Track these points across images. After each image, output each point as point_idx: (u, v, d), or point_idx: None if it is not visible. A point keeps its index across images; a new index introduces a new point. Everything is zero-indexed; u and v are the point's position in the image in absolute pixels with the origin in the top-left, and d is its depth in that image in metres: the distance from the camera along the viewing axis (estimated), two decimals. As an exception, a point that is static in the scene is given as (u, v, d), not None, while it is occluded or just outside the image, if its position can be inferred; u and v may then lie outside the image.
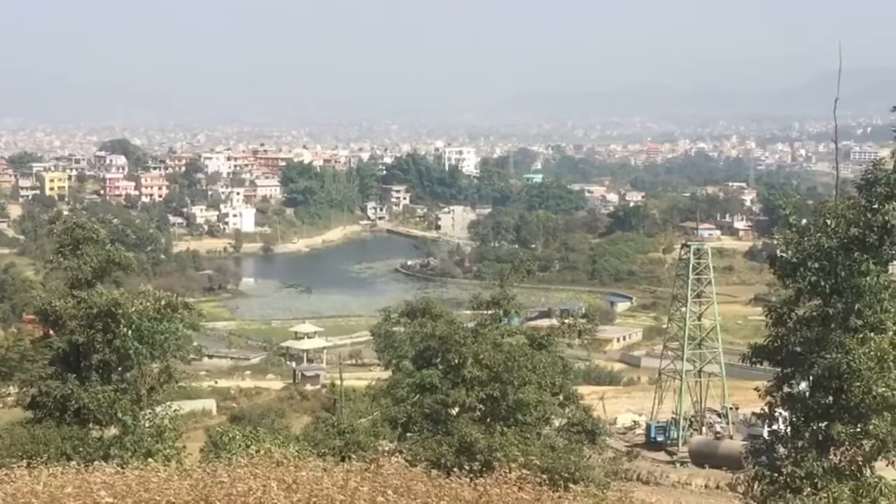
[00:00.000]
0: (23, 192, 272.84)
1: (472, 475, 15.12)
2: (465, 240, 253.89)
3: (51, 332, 36.55)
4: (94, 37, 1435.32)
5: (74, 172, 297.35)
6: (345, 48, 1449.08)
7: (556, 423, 42.15)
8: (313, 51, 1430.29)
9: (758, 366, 25.55)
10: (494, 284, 43.92)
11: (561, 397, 40.82)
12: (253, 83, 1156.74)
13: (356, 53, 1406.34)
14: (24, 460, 16.26)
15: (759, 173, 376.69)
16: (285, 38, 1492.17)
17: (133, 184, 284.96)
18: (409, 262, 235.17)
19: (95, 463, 16.15)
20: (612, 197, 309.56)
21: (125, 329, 32.84)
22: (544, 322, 78.16)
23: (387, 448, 28.50)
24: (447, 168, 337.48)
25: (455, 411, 37.69)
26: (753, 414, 56.15)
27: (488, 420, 35.92)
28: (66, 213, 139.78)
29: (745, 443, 50.60)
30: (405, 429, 38.11)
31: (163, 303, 34.50)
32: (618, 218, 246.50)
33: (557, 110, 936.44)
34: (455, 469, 16.26)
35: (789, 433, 24.50)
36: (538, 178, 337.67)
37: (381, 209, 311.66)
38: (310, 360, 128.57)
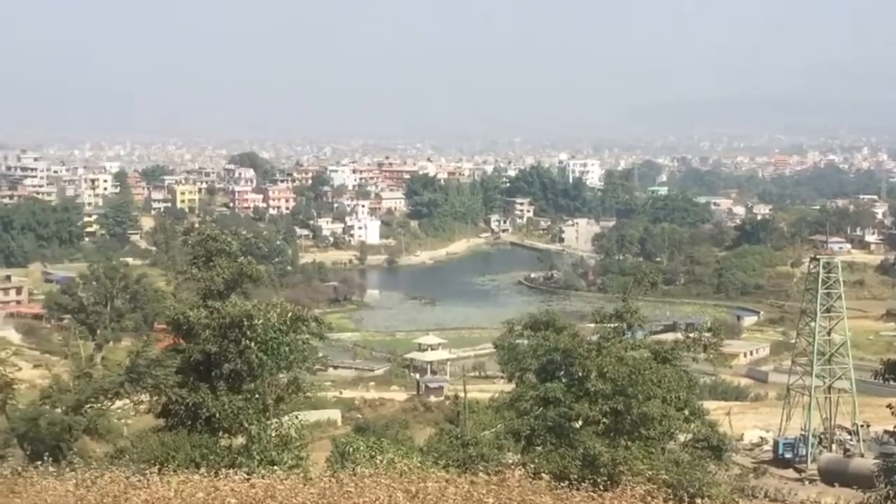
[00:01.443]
0: (155, 205, 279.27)
1: (596, 489, 15.03)
2: (589, 252, 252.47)
3: (181, 341, 37.31)
4: (225, 52, 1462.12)
5: (204, 185, 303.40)
6: (469, 62, 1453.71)
7: (681, 438, 41.65)
8: (438, 65, 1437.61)
9: (891, 382, 24.96)
10: (618, 297, 43.61)
11: (686, 412, 40.29)
12: (378, 97, 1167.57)
13: (480, 67, 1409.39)
14: (156, 467, 16.62)
15: (891, 186, 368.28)
16: (411, 54, 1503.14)
17: (261, 196, 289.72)
18: (533, 275, 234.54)
19: (223, 471, 16.42)
20: (739, 210, 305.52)
21: (248, 342, 33.37)
22: (669, 336, 77.36)
23: (511, 461, 28.50)
24: (571, 180, 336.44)
25: (578, 424, 37.51)
26: (886, 432, 54.83)
27: (612, 434, 35.68)
28: (197, 225, 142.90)
29: (876, 461, 49.48)
30: (529, 441, 38.04)
31: (289, 314, 35.00)
32: (745, 231, 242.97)
33: (682, 121, 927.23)
34: (579, 483, 16.18)
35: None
36: (663, 190, 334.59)
37: (505, 222, 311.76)
38: (433, 372, 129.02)
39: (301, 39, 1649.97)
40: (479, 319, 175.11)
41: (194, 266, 38.13)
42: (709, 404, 65.58)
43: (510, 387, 49.10)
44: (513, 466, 18.75)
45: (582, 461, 29.43)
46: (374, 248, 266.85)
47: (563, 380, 38.83)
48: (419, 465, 17.18)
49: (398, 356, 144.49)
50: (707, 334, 44.29)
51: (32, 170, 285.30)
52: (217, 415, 33.16)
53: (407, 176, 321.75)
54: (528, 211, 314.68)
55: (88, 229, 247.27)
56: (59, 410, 41.91)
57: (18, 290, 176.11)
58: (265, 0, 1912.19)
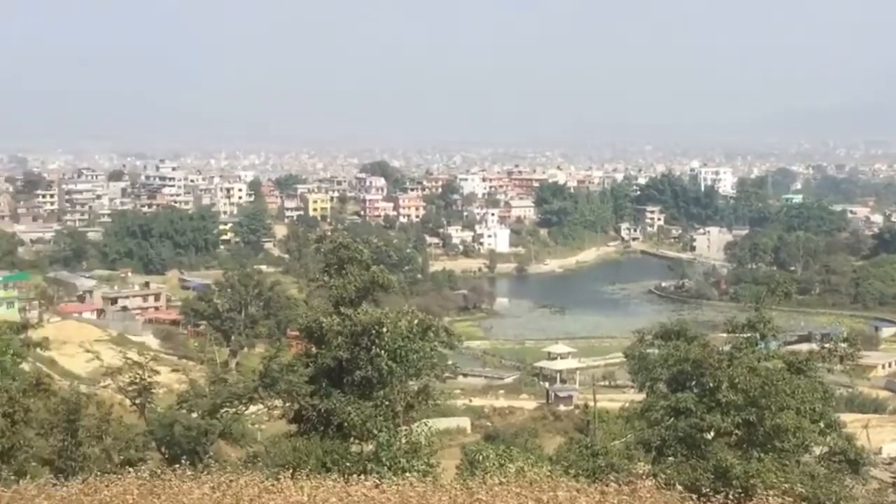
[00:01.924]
0: (288, 213, 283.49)
1: (729, 502, 14.83)
2: (721, 261, 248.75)
3: (313, 347, 37.83)
4: (357, 63, 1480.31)
5: (336, 194, 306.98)
6: (599, 69, 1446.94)
7: (816, 451, 40.77)
8: (567, 72, 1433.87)
9: None
10: (751, 307, 42.92)
11: (821, 424, 39.42)
12: (507, 105, 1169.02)
13: (611, 74, 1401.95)
14: (289, 471, 16.88)
15: None
16: (540, 61, 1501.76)
17: (391, 204, 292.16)
18: (663, 284, 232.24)
19: (354, 477, 16.61)
20: (877, 218, 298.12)
21: (378, 349, 33.68)
22: (804, 346, 75.86)
23: (641, 471, 28.26)
24: (703, 188, 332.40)
25: (710, 436, 37.03)
26: None
27: (744, 446, 35.13)
28: (329, 233, 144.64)
29: None
30: (659, 452, 37.66)
31: (415, 322, 35.25)
32: (883, 240, 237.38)
33: (816, 129, 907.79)
34: (712, 495, 15.98)
35: None
36: (798, 198, 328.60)
37: (635, 230, 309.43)
38: (563, 381, 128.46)
39: (429, 51, 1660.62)
40: (609, 328, 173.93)
41: (326, 274, 38.69)
42: (845, 417, 64.04)
43: (640, 396, 48.69)
44: (643, 477, 18.61)
45: (714, 473, 29.02)
46: (503, 257, 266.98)
47: (695, 390, 38.36)
48: (549, 474, 17.15)
49: (527, 365, 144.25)
50: (843, 345, 43.31)
51: (170, 179, 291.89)
52: (348, 421, 33.54)
53: (536, 184, 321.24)
54: (659, 219, 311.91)
55: (224, 237, 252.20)
56: (195, 415, 42.82)
57: (157, 297, 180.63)
58: (393, 10, 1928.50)
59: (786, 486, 22.59)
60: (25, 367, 35.68)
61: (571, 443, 53.00)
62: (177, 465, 17.36)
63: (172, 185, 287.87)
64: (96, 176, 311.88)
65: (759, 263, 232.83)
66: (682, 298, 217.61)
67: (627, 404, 65.69)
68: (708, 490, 17.37)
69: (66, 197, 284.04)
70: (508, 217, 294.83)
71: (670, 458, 35.92)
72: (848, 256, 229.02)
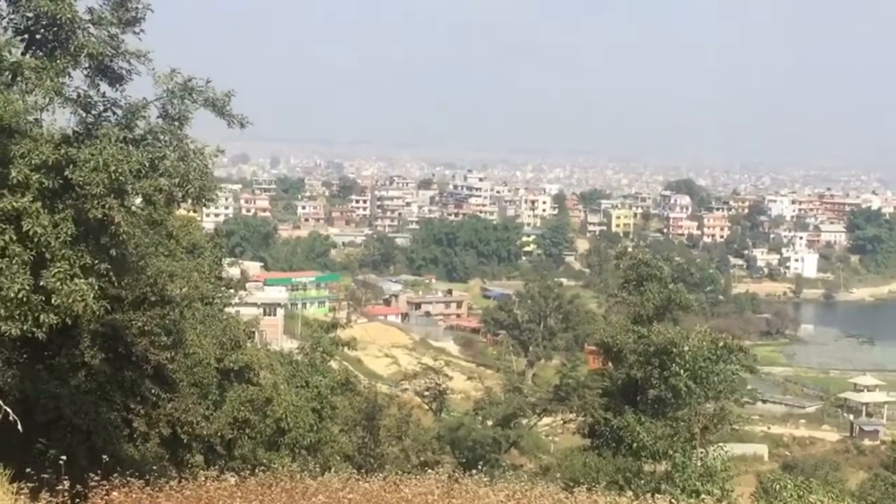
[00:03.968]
0: (590, 227, 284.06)
1: None
2: None
3: (609, 364, 37.80)
4: (687, 81, 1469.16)
5: (640, 210, 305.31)
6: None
7: None
8: (885, 93, 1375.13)
9: None
10: None
11: None
12: (821, 126, 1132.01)
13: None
14: (584, 486, 16.89)
15: None
16: (861, 82, 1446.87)
17: (696, 223, 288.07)
18: None
19: (647, 496, 16.47)
20: None
21: (678, 368, 33.28)
22: None
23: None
24: None
25: None
26: None
27: None
28: (630, 249, 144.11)
29: None
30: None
31: (719, 344, 34.65)
32: None
33: None
34: None
35: None
36: None
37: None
38: (869, 414, 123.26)
39: (742, 71, 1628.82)
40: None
41: (625, 290, 38.61)
42: None
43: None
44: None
45: None
46: (810, 282, 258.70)
47: None
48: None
49: (831, 395, 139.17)
50: None
51: (477, 189, 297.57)
52: (637, 441, 33.31)
53: (849, 209, 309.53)
54: None
55: (526, 248, 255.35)
56: (490, 422, 43.55)
57: (459, 304, 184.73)
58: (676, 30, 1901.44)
59: None
60: (333, 365, 37.12)
61: (876, 479, 50.97)
62: (473, 471, 17.67)
63: (479, 196, 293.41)
64: (407, 184, 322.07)
65: None
66: None
67: (938, 444, 62.39)
68: None
69: (378, 203, 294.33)
70: (817, 241, 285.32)
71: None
72: None
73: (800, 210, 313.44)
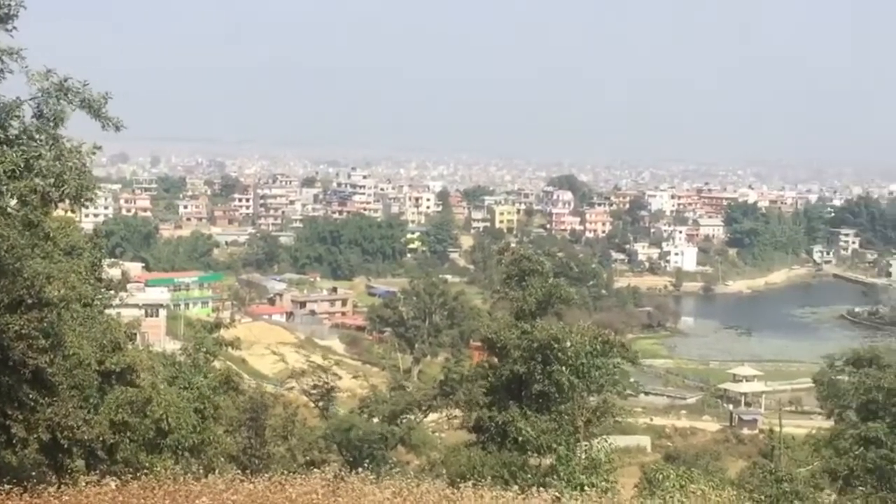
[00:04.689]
0: (475, 224, 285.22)
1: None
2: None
3: (494, 359, 38.01)
4: (556, 75, 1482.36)
5: (523, 206, 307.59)
6: (797, 90, 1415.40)
7: None
8: (764, 89, 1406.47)
9: None
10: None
11: None
12: (699, 121, 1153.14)
13: (809, 94, 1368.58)
14: (470, 482, 16.97)
15: None
16: (733, 79, 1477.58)
17: (578, 219, 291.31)
18: (857, 309, 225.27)
19: (533, 490, 16.61)
20: None
21: (560, 364, 33.62)
22: None
23: (827, 501, 27.53)
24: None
25: (902, 469, 35.85)
26: None
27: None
28: (514, 245, 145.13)
29: None
30: (846, 482, 36.68)
31: (599, 339, 35.09)
32: None
33: None
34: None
35: None
36: None
37: (828, 253, 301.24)
38: (747, 404, 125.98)
39: (621, 67, 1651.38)
40: (797, 353, 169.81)
41: (507, 285, 38.84)
42: None
43: (828, 424, 47.56)
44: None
45: (904, 507, 28.06)
46: (689, 276, 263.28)
47: (887, 420, 37.23)
48: (733, 498, 16.87)
49: (711, 386, 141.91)
50: None
51: (361, 187, 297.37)
52: (522, 434, 33.58)
53: (726, 203, 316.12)
54: (854, 242, 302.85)
55: (411, 246, 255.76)
56: (375, 420, 43.51)
57: (344, 302, 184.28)
58: (583, 19, 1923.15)
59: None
60: (217, 365, 36.74)
61: (755, 467, 52.04)
62: (359, 469, 17.66)
63: (363, 193, 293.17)
64: (290, 182, 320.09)
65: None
66: (876, 325, 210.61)
67: (815, 431, 64.13)
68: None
69: (261, 201, 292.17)
70: (696, 235, 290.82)
71: (859, 489, 34.94)
72: None
73: (679, 205, 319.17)
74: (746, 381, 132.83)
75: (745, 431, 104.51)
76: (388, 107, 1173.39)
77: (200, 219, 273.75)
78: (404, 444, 47.44)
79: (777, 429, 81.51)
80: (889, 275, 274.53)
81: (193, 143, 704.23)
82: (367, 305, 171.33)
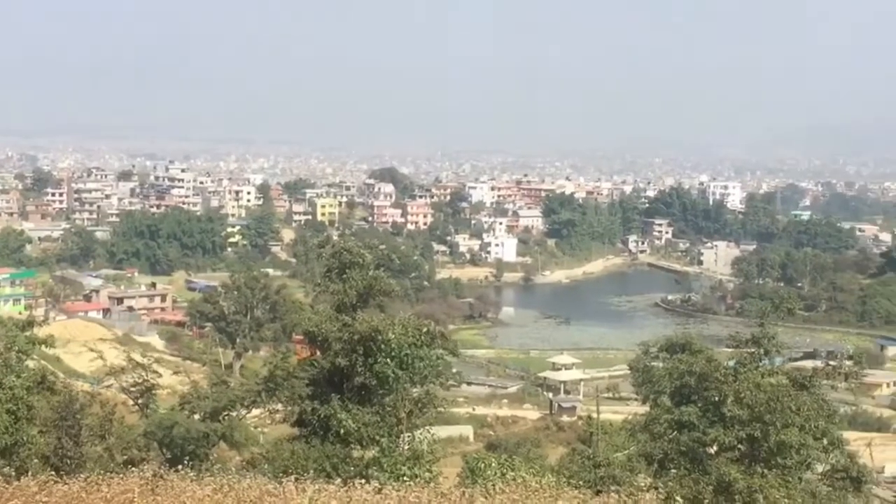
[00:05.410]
0: (296, 217, 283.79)
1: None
2: (728, 276, 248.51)
3: (317, 353, 37.85)
4: (368, 65, 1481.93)
5: (344, 199, 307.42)
6: (612, 81, 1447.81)
7: (819, 468, 40.69)
8: (579, 83, 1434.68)
9: None
10: (756, 323, 42.94)
11: (824, 442, 39.37)
12: (519, 115, 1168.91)
13: (620, 86, 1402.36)
14: (293, 476, 16.89)
15: None
16: (553, 73, 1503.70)
17: (399, 211, 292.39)
18: (670, 297, 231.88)
19: (356, 482, 16.60)
20: (885, 237, 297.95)
21: (383, 355, 33.65)
22: (808, 363, 75.65)
23: (643, 484, 28.20)
24: (711, 203, 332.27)
25: (713, 450, 37.00)
26: None
27: (747, 461, 35.05)
28: (335, 238, 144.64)
29: None
30: (661, 465, 37.65)
31: (423, 330, 35.24)
32: (891, 258, 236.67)
33: (828, 146, 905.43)
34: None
35: None
36: (806, 215, 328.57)
37: (643, 242, 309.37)
38: (567, 392, 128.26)
39: (442, 53, 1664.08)
40: (614, 340, 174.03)
41: (328, 278, 38.72)
42: (849, 435, 63.91)
43: (644, 409, 48.71)
44: (645, 490, 18.59)
45: (716, 487, 28.90)
46: (510, 266, 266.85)
47: (698, 404, 38.38)
48: (552, 484, 17.14)
49: (532, 375, 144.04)
50: (848, 363, 43.30)
51: (179, 181, 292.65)
52: (343, 427, 33.54)
53: (545, 194, 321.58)
54: (667, 232, 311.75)
55: (231, 240, 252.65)
56: (196, 417, 42.83)
57: (163, 298, 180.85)
58: (402, 14, 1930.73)
59: (787, 502, 22.58)
60: (30, 364, 35.65)
61: (574, 453, 53.07)
62: (179, 467, 17.38)
63: (181, 187, 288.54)
64: (106, 176, 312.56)
65: (766, 279, 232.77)
66: (688, 312, 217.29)
67: (631, 416, 65.72)
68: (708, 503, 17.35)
69: (75, 196, 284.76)
70: (516, 227, 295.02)
71: (672, 472, 35.89)
72: (855, 274, 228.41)
73: (499, 196, 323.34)
74: (565, 369, 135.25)
75: (565, 418, 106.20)
76: (206, 99, 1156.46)
77: (11, 214, 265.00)
78: (227, 440, 46.83)
79: (595, 415, 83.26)
80: (700, 263, 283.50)
81: (4, 137, 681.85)
82: (187, 301, 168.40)
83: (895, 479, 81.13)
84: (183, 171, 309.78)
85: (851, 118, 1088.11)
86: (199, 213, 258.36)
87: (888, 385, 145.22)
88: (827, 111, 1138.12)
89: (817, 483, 38.95)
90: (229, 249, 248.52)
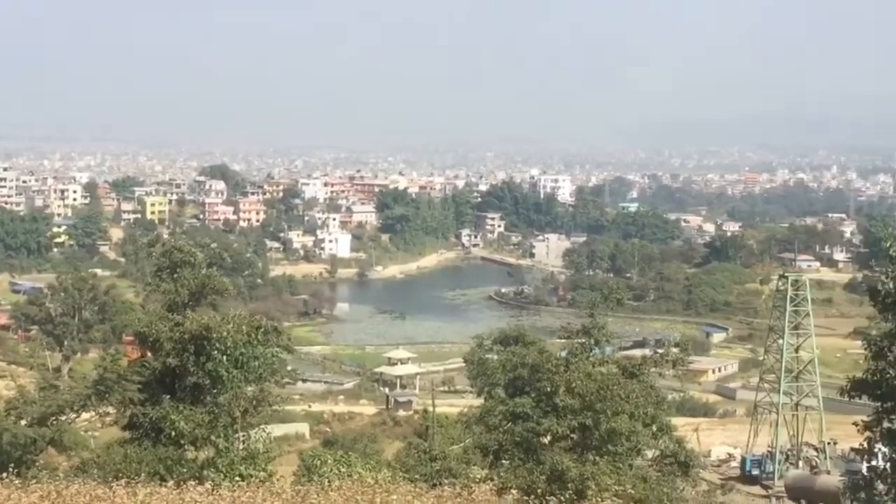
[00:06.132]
0: (125, 216, 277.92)
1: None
2: (560, 268, 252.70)
3: (148, 354, 37.15)
4: (196, 61, 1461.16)
5: (175, 197, 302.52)
6: (441, 78, 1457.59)
7: (649, 454, 41.71)
8: (410, 79, 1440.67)
9: (857, 400, 25.10)
10: (586, 314, 43.76)
11: (653, 428, 40.40)
12: (351, 111, 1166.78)
13: (452, 81, 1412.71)
14: (123, 479, 16.54)
15: (859, 204, 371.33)
16: (385, 68, 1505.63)
17: (231, 209, 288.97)
18: (503, 290, 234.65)
19: (189, 484, 16.36)
20: (709, 227, 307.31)
21: (218, 354, 33.20)
22: (638, 352, 77.44)
23: (478, 475, 28.46)
24: (542, 196, 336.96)
25: (547, 440, 37.55)
26: (852, 449, 54.95)
27: (580, 449, 35.71)
28: (165, 236, 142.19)
29: (843, 478, 49.76)
30: (497, 456, 38.06)
31: (255, 327, 34.88)
32: (714, 248, 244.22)
33: (654, 140, 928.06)
34: (546, 497, 16.18)
35: (889, 469, 23.95)
36: (634, 206, 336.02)
37: (476, 236, 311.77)
38: (403, 386, 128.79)
39: (274, 50, 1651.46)
40: (449, 334, 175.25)
41: (158, 277, 38.06)
42: (676, 420, 65.65)
43: (479, 401, 49.22)
44: (480, 481, 18.74)
45: (549, 476, 29.34)
46: (344, 262, 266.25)
47: (532, 395, 38.91)
48: (388, 479, 17.17)
49: (367, 370, 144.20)
50: (675, 350, 44.48)
51: (1, 179, 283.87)
52: (175, 429, 32.98)
53: (378, 190, 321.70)
54: (500, 226, 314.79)
55: (57, 240, 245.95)
56: (24, 422, 41.58)
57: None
58: (229, 13, 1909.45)
59: (618, 488, 23.07)
60: None
61: (410, 448, 53.24)
62: (5, 474, 16.85)
63: (3, 186, 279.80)
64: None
65: (596, 270, 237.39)
66: (521, 304, 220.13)
67: (466, 409, 66.24)
68: (543, 493, 17.58)
69: None
70: (350, 222, 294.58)
71: (507, 462, 36.31)
72: (681, 264, 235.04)
73: (332, 192, 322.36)
74: (401, 363, 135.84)
75: (401, 413, 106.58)
76: (28, 96, 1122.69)
77: None
78: (55, 445, 45.65)
79: (431, 409, 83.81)
80: (532, 256, 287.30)
81: None
82: (12, 303, 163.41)
83: (721, 462, 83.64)
84: (5, 169, 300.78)
85: (675, 112, 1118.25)
86: (22, 213, 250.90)
87: (714, 371, 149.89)
88: (651, 108, 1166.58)
89: (647, 468, 39.90)
90: (55, 250, 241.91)
